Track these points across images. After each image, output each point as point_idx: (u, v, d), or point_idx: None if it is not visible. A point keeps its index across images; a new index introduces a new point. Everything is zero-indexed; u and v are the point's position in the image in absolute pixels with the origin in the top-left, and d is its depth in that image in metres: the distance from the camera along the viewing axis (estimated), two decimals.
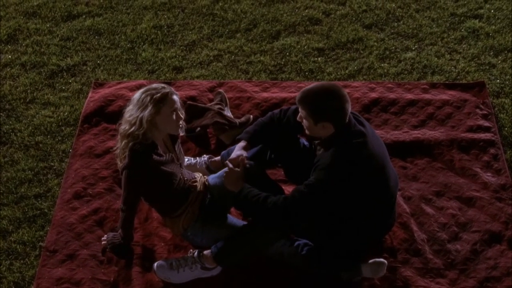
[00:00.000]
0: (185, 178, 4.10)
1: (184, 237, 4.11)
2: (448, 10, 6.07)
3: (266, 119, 4.12)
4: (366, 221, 3.84)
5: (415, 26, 5.90)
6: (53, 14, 6.16)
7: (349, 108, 3.65)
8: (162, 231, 4.26)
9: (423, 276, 3.99)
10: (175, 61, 5.60)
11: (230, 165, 3.89)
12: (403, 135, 4.82)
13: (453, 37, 5.76)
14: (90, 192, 4.51)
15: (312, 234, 3.94)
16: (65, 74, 5.51)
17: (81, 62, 5.61)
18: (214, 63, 5.59)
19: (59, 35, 5.91)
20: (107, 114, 5.04)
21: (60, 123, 5.05)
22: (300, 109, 3.69)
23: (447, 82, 5.29)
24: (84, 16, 6.14)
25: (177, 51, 5.72)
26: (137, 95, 3.87)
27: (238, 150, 4.01)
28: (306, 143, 4.17)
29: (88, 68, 5.56)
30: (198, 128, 4.87)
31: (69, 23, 6.05)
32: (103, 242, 4.16)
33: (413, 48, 5.66)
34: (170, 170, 3.93)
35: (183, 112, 3.95)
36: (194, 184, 4.11)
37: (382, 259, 3.90)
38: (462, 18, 5.97)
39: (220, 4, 6.23)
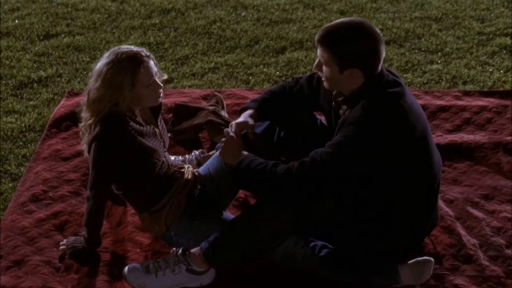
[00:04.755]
0: (170, 163, 3.22)
1: (167, 240, 3.17)
2: (474, 29, 5.39)
3: (276, 88, 3.34)
4: (405, 207, 2.91)
5: (438, 42, 5.19)
6: (28, 34, 5.47)
7: (384, 52, 2.81)
8: (138, 235, 3.33)
9: (479, 285, 3.03)
10: (165, 72, 4.80)
11: (231, 132, 3.03)
12: (437, 138, 3.98)
13: (483, 51, 5.04)
14: (51, 195, 3.60)
15: (334, 223, 2.99)
16: (35, 85, 4.70)
17: (55, 74, 4.83)
18: (210, 74, 4.80)
19: (33, 51, 5.17)
20: (79, 119, 4.18)
21: (24, 129, 4.19)
22: (320, 53, 2.83)
23: (482, 90, 4.51)
24: (63, 35, 5.43)
25: (167, 64, 4.96)
26: (101, 68, 2.95)
27: (243, 118, 3.16)
28: (324, 121, 3.33)
29: (63, 80, 4.77)
30: (189, 131, 4.01)
31: (46, 42, 5.33)
32: (61, 247, 3.22)
33: (439, 62, 4.91)
34: (152, 145, 3.07)
35: (163, 74, 3.12)
36: (181, 170, 3.23)
37: (426, 257, 2.95)
38: (491, 36, 5.28)
39: (218, 24, 5.55)
